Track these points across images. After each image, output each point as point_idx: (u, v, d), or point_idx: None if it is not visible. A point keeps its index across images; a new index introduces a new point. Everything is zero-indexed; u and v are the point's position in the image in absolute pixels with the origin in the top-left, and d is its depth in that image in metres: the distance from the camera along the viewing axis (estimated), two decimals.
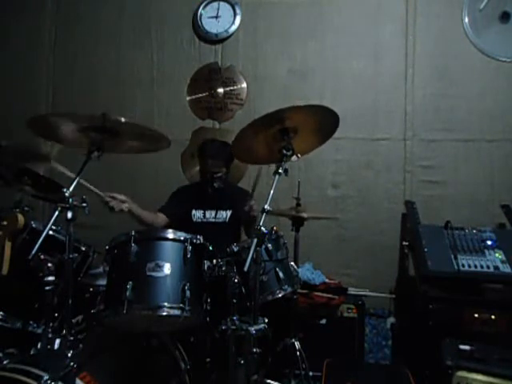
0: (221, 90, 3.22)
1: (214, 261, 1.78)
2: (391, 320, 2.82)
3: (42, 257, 1.61)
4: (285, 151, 1.70)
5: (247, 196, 2.59)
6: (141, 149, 1.86)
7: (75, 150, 1.73)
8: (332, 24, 3.12)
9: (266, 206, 1.58)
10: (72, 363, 1.42)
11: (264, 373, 2.01)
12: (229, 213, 2.54)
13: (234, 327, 1.62)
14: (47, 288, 1.59)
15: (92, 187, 1.95)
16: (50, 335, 1.57)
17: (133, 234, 1.64)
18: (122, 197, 2.10)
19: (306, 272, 2.72)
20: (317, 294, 2.63)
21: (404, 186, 3.01)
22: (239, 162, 2.57)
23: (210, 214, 2.54)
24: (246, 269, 1.47)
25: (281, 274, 1.82)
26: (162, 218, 2.44)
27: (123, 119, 1.53)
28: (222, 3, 3.20)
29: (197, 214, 2.54)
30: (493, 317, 2.17)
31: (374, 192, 3.03)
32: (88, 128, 1.58)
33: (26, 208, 1.96)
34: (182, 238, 1.68)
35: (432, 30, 3.01)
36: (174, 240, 1.68)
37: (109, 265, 1.70)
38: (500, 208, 2.78)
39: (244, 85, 3.20)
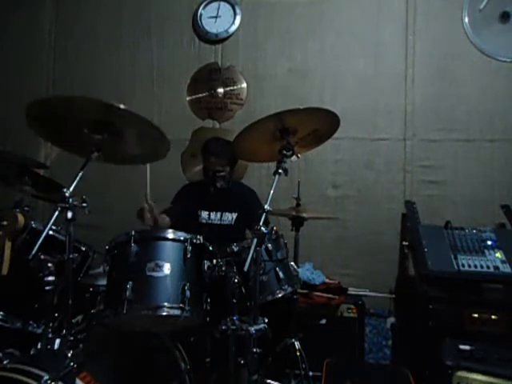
0: (221, 90, 3.22)
1: (214, 261, 1.77)
2: (391, 320, 2.82)
3: (42, 257, 1.61)
4: (285, 151, 1.70)
5: (255, 197, 2.57)
6: (140, 154, 1.85)
7: (74, 152, 1.74)
8: (332, 24, 3.12)
9: (266, 206, 1.58)
10: (72, 363, 1.42)
11: (264, 373, 2.00)
12: (234, 215, 2.53)
13: (234, 327, 1.62)
14: (47, 288, 1.59)
15: (148, 184, 2.00)
16: (50, 335, 1.56)
17: (133, 233, 1.64)
18: (156, 216, 2.13)
19: (306, 272, 2.72)
20: (317, 293, 2.63)
21: (404, 186, 3.01)
22: (239, 162, 2.59)
23: (215, 216, 2.52)
24: (245, 269, 1.46)
25: (281, 274, 1.81)
26: (166, 221, 2.38)
27: (122, 106, 1.51)
28: (222, 3, 3.21)
29: (202, 215, 2.53)
30: (493, 317, 2.17)
31: (374, 192, 3.04)
32: (87, 119, 1.57)
33: (26, 208, 1.96)
34: (181, 238, 1.68)
35: (432, 30, 3.02)
36: (173, 240, 1.68)
37: (109, 265, 1.70)
38: (500, 208, 2.79)
39: (244, 85, 3.20)
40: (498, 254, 2.40)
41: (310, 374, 2.15)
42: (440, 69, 3.01)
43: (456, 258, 2.36)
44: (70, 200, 1.46)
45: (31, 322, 1.84)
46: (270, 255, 1.83)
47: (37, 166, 2.04)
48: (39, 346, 1.58)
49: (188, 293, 1.57)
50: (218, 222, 2.52)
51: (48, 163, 3.09)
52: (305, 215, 2.26)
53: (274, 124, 1.70)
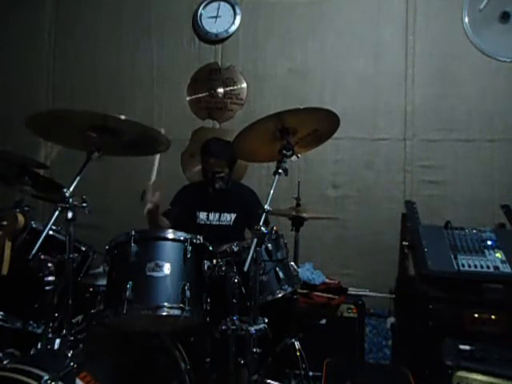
0: (221, 90, 3.22)
1: (214, 261, 1.77)
2: (391, 320, 2.82)
3: (42, 257, 1.61)
4: (285, 151, 1.70)
5: (255, 197, 2.57)
6: (141, 151, 1.85)
7: (75, 150, 1.74)
8: (332, 24, 3.12)
9: (266, 206, 1.58)
10: (72, 363, 1.42)
11: (264, 373, 2.00)
12: (233, 216, 2.52)
13: (234, 327, 1.62)
14: (47, 288, 1.59)
15: (155, 169, 2.05)
16: (50, 335, 1.57)
17: (133, 233, 1.64)
18: (157, 198, 2.17)
19: (306, 272, 2.72)
20: (317, 293, 2.63)
21: (404, 186, 3.01)
22: (239, 162, 2.58)
23: (214, 217, 2.52)
24: (245, 269, 1.46)
25: (281, 274, 1.81)
26: (166, 223, 2.39)
27: (123, 117, 1.53)
28: (222, 3, 3.21)
29: (200, 216, 2.52)
30: (493, 317, 2.17)
31: (374, 192, 3.04)
32: (88, 128, 1.58)
33: (26, 208, 1.96)
34: (181, 238, 1.68)
35: (432, 30, 3.02)
36: (173, 240, 1.68)
37: (109, 265, 1.70)
38: (500, 208, 2.79)
39: (244, 85, 3.20)
40: (498, 254, 2.40)
41: (310, 374, 2.15)
42: (440, 69, 3.01)
43: (456, 257, 2.36)
44: (70, 200, 1.46)
45: (31, 322, 1.84)
46: (270, 255, 1.83)
47: (37, 166, 2.04)
48: (39, 346, 1.58)
49: (188, 293, 1.57)
50: (217, 223, 2.51)
51: (48, 163, 3.09)
52: (305, 215, 2.26)
53: (274, 124, 1.70)
